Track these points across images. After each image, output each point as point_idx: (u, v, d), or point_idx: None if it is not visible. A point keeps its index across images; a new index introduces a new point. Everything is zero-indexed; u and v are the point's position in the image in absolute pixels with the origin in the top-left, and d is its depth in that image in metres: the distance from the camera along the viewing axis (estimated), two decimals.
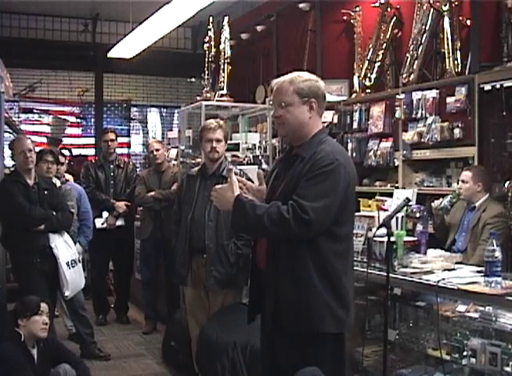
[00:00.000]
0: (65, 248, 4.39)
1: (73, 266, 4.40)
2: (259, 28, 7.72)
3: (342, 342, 2.54)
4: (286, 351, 2.48)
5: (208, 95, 5.86)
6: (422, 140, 4.80)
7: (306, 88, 2.50)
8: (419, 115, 4.85)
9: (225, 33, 5.88)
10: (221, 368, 3.56)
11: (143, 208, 5.75)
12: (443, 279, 2.93)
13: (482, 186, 4.14)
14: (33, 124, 8.74)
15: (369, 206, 5.14)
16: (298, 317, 2.41)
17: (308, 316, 2.40)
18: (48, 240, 4.32)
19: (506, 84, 4.16)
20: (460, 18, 4.81)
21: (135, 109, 9.66)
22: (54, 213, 4.36)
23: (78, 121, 9.16)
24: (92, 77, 9.15)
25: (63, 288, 4.34)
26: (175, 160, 6.13)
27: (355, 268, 3.38)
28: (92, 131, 9.19)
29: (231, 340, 3.60)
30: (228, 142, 4.98)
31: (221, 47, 5.89)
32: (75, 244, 4.70)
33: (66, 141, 8.72)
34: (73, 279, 4.41)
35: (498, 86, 4.22)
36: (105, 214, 5.83)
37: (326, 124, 6.01)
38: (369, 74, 5.66)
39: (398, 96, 5.04)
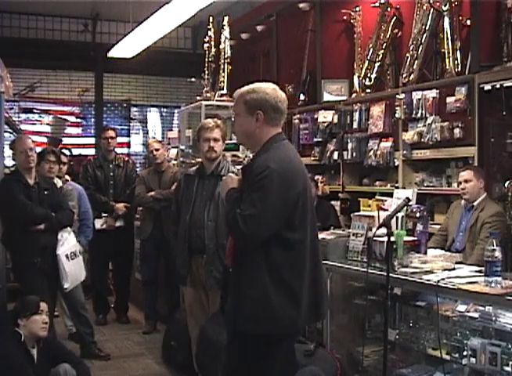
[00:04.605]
0: (65, 241, 4.40)
1: (72, 258, 4.41)
2: (259, 28, 7.73)
3: (292, 342, 2.68)
4: (242, 351, 2.55)
5: (208, 95, 5.86)
6: (422, 140, 4.80)
7: (252, 100, 2.59)
8: (419, 115, 4.86)
9: (225, 33, 5.88)
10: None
11: (143, 208, 5.75)
12: (443, 279, 2.93)
13: (483, 182, 4.14)
14: (33, 124, 8.74)
15: (369, 206, 5.17)
16: (254, 319, 2.48)
17: (263, 319, 2.47)
18: (49, 239, 4.32)
19: (506, 84, 4.16)
20: (460, 18, 4.81)
21: (135, 109, 9.65)
22: (53, 214, 4.36)
23: (78, 120, 9.17)
24: (92, 77, 9.15)
25: (62, 280, 4.34)
26: (175, 160, 6.13)
27: (356, 268, 3.41)
28: (92, 131, 9.20)
29: None
30: (229, 141, 4.99)
31: (221, 47, 5.89)
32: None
33: (66, 141, 8.73)
34: (73, 271, 4.41)
35: (498, 86, 4.22)
36: (104, 214, 5.83)
37: (326, 124, 6.04)
38: (369, 74, 5.66)
39: (398, 96, 5.04)
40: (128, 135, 9.56)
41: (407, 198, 3.05)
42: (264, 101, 2.58)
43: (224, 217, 2.64)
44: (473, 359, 2.93)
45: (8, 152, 4.73)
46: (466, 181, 4.14)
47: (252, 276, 2.49)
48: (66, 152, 7.57)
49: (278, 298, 2.46)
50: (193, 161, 5.36)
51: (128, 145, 9.53)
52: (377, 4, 5.65)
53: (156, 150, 5.61)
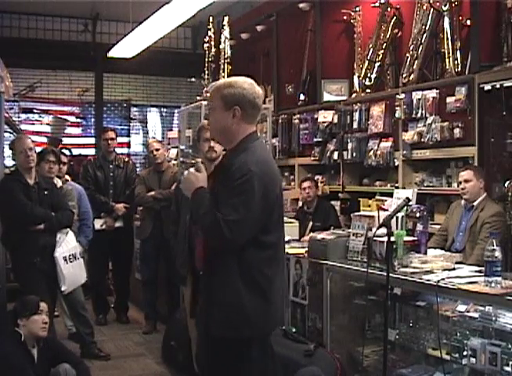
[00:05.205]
0: (63, 243, 4.39)
1: (71, 261, 4.39)
2: (259, 28, 7.73)
3: (266, 345, 2.58)
4: (215, 354, 2.50)
5: (208, 95, 5.85)
6: (422, 140, 4.81)
7: (229, 95, 2.49)
8: (419, 115, 4.86)
9: (225, 33, 5.88)
10: None
11: (143, 208, 5.75)
12: (443, 279, 2.93)
13: (483, 182, 4.14)
14: (33, 124, 8.74)
15: (369, 206, 5.17)
16: (226, 322, 2.43)
17: (235, 322, 2.43)
18: (49, 239, 4.32)
19: (506, 84, 4.16)
20: (460, 18, 4.81)
21: (135, 109, 9.66)
22: (53, 214, 4.36)
23: (78, 120, 9.17)
24: (92, 77, 9.16)
25: (60, 283, 4.33)
26: (175, 160, 6.12)
27: (356, 268, 3.41)
28: (92, 131, 9.20)
29: None
30: None
31: (221, 47, 5.89)
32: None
33: (66, 141, 8.72)
34: (71, 273, 4.39)
35: (498, 86, 4.23)
36: (103, 215, 5.83)
37: (326, 124, 6.04)
38: (369, 74, 5.66)
39: (398, 96, 5.04)
40: (128, 135, 9.56)
41: (407, 198, 3.04)
42: (241, 96, 2.49)
43: (200, 217, 2.45)
44: (473, 359, 2.93)
45: (8, 152, 4.73)
46: (466, 181, 4.14)
47: (224, 279, 2.43)
48: (66, 152, 7.57)
49: (251, 301, 2.42)
50: (193, 161, 5.36)
51: (128, 145, 9.53)
52: (377, 4, 5.66)
53: (157, 150, 5.61)
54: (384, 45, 5.55)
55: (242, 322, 2.42)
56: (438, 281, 2.90)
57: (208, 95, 2.64)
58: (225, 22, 5.91)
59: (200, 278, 2.62)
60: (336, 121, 5.92)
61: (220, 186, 2.48)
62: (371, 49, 5.64)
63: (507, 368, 2.79)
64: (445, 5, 4.80)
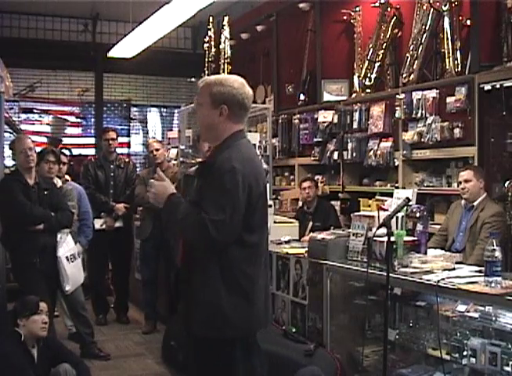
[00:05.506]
0: (64, 243, 4.40)
1: (72, 261, 4.41)
2: (259, 28, 7.74)
3: (252, 343, 2.54)
4: (198, 354, 2.49)
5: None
6: (422, 140, 4.81)
7: (218, 93, 2.45)
8: (419, 115, 4.86)
9: (225, 33, 5.88)
10: None
11: (143, 208, 5.75)
12: (443, 279, 2.93)
13: (483, 182, 4.14)
14: (33, 124, 8.75)
15: (369, 206, 5.17)
16: (207, 322, 2.41)
17: (215, 322, 2.40)
18: (49, 239, 4.32)
19: (506, 84, 4.17)
20: (460, 18, 4.81)
21: (135, 109, 9.67)
22: (53, 214, 4.36)
23: (78, 120, 9.18)
24: (92, 77, 9.17)
25: (64, 283, 4.34)
26: (175, 160, 6.12)
27: (356, 268, 3.42)
28: (92, 131, 9.21)
29: None
30: None
31: (221, 47, 5.88)
32: (75, 243, 4.70)
33: (66, 141, 8.73)
34: (73, 273, 4.41)
35: (498, 86, 4.23)
36: (103, 214, 5.83)
37: (326, 124, 6.04)
38: (369, 74, 5.67)
39: (398, 96, 5.05)
40: (128, 135, 9.57)
41: (407, 198, 3.04)
42: (231, 96, 2.45)
43: (178, 222, 2.41)
44: (473, 359, 2.93)
45: (8, 152, 4.73)
46: (466, 181, 4.14)
47: (205, 279, 2.39)
48: (66, 152, 7.57)
49: (230, 301, 2.38)
50: (193, 161, 5.36)
51: (128, 145, 9.54)
52: (377, 4, 5.66)
53: (157, 150, 5.61)
54: (384, 45, 5.56)
55: (222, 322, 2.39)
56: (438, 281, 2.90)
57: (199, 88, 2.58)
58: (225, 22, 5.91)
59: (180, 276, 2.59)
60: (336, 121, 5.92)
61: (204, 183, 2.45)
62: (371, 49, 5.65)
63: (507, 368, 2.79)
64: (445, 5, 4.81)
